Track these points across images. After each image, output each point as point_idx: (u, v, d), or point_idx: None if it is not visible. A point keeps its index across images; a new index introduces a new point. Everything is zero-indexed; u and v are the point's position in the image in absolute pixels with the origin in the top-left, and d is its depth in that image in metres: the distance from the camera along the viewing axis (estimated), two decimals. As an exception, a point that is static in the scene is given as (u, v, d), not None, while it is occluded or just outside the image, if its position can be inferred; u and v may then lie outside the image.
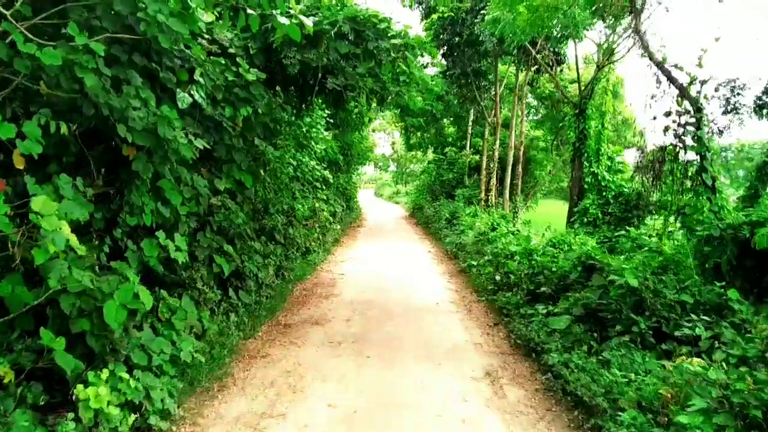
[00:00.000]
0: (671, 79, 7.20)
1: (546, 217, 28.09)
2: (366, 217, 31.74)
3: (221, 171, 7.42)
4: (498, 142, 19.75)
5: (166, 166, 6.11)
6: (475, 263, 12.29)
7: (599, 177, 13.54)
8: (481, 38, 18.03)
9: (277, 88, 10.29)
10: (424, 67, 17.04)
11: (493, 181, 20.02)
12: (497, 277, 10.09)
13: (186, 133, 5.90)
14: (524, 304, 8.31)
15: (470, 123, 27.45)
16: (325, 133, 15.85)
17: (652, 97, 7.29)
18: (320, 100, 11.48)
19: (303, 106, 11.14)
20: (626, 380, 4.92)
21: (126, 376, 4.75)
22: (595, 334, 6.17)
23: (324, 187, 18.60)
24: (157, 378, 5.14)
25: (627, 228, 11.30)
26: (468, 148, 27.04)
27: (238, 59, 7.17)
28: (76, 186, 4.80)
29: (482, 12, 16.52)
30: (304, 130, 13.00)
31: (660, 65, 7.33)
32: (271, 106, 8.36)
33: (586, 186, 14.37)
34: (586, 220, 13.49)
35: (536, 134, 26.00)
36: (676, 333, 5.56)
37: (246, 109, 7.15)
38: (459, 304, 10.04)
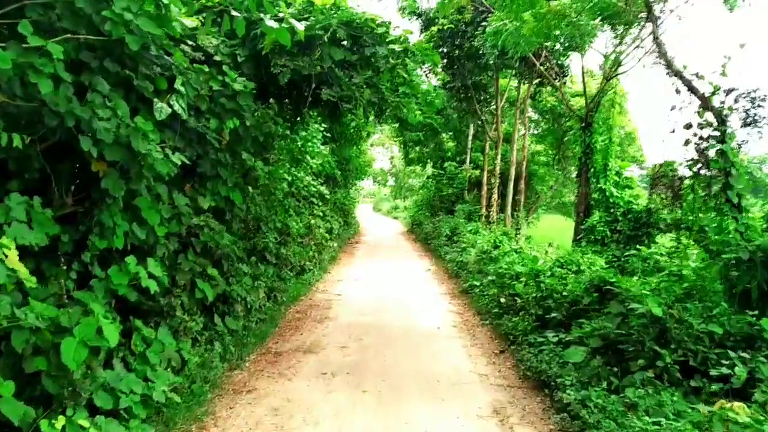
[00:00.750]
0: (692, 89, 6.68)
1: (548, 233, 27.56)
2: (364, 232, 31.20)
3: (206, 188, 6.86)
4: (499, 156, 19.24)
5: (142, 183, 5.57)
6: (477, 283, 11.71)
7: (607, 193, 13.00)
8: (481, 51, 17.62)
9: (271, 100, 9.84)
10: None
11: (495, 196, 19.48)
12: (502, 300, 9.50)
13: (163, 147, 5.35)
14: (533, 330, 7.72)
15: (470, 137, 26.99)
16: (322, 147, 15.34)
17: (671, 109, 6.77)
18: (315, 113, 10.98)
19: (297, 119, 10.65)
20: (656, 428, 4.33)
21: (86, 423, 4.14)
22: (615, 369, 5.57)
23: (320, 203, 18.06)
24: (125, 423, 4.54)
25: (637, 247, 10.73)
26: (468, 162, 26.56)
27: (224, 67, 6.64)
28: (32, 206, 4.24)
29: (483, 24, 16.11)
30: (298, 144, 12.47)
31: (680, 74, 6.82)
32: (261, 118, 7.84)
33: (592, 202, 13.83)
34: (593, 238, 12.92)
35: (537, 149, 25.52)
36: (712, 372, 4.98)
37: (233, 121, 6.61)
38: (462, 328, 9.44)
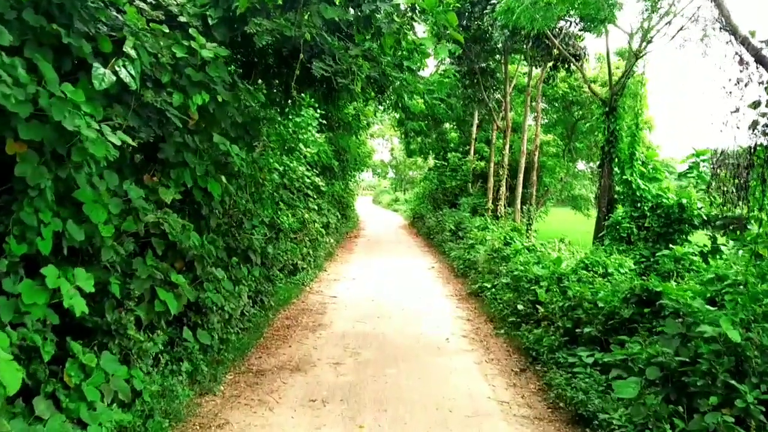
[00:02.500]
0: (761, 61, 5.49)
1: (558, 228, 26.34)
2: (364, 226, 30.05)
3: (169, 177, 5.66)
4: (508, 146, 18.00)
5: (81, 172, 4.40)
6: (488, 285, 10.54)
7: (633, 185, 11.75)
8: (490, 32, 16.37)
9: (259, 82, 8.70)
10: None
11: (503, 189, 18.26)
12: (519, 306, 8.34)
13: (112, 126, 4.17)
14: (560, 346, 6.55)
15: (474, 127, 25.74)
16: (317, 135, 14.12)
17: (736, 83, 5.56)
18: (308, 95, 9.78)
19: (288, 101, 9.45)
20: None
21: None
22: (679, 408, 4.40)
23: (316, 196, 16.86)
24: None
25: (670, 246, 9.54)
26: (472, 153, 25.32)
27: (191, 31, 5.44)
28: None
29: (492, 2, 14.85)
30: (290, 130, 11.25)
31: (746, 42, 5.61)
32: (242, 96, 6.62)
33: (616, 196, 12.61)
34: (617, 235, 11.71)
35: (546, 139, 24.26)
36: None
37: (201, 96, 5.41)
38: (473, 339, 8.27)
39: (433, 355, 7.42)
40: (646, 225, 11.41)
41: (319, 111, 14.69)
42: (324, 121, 15.68)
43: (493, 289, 10.24)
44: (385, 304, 10.41)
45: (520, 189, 17.14)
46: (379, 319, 9.25)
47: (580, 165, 28.77)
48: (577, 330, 6.57)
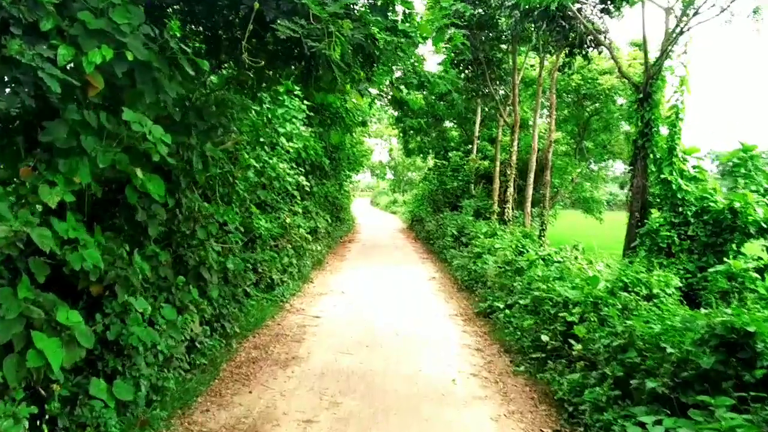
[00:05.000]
0: None
1: (568, 232, 24.59)
2: (360, 230, 28.36)
3: (57, 170, 3.92)
4: (516, 143, 16.26)
5: None
6: (500, 305, 8.83)
7: (674, 186, 9.94)
8: (498, 17, 14.67)
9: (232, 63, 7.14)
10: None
11: (510, 190, 16.53)
12: (543, 338, 6.61)
13: None
14: (610, 402, 4.83)
15: (477, 125, 24.03)
16: (303, 129, 12.38)
17: None
18: (282, 72, 8.04)
19: (261, 83, 7.78)
20: None
21: None
22: None
23: (305, 197, 15.12)
24: None
25: (724, 259, 7.82)
26: (474, 152, 23.60)
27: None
28: None
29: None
30: (264, 119, 9.52)
31: None
32: (178, 58, 4.88)
33: (650, 198, 10.85)
34: (655, 245, 9.95)
35: (555, 136, 22.52)
36: None
37: (99, 53, 3.70)
38: (487, 379, 6.53)
39: (436, 405, 5.68)
40: (689, 233, 9.65)
41: (306, 102, 13.01)
42: (312, 114, 13.97)
43: (507, 310, 8.53)
44: (378, 328, 8.68)
45: (530, 190, 15.39)
46: (369, 350, 7.52)
47: (593, 165, 27.03)
48: (631, 381, 4.84)
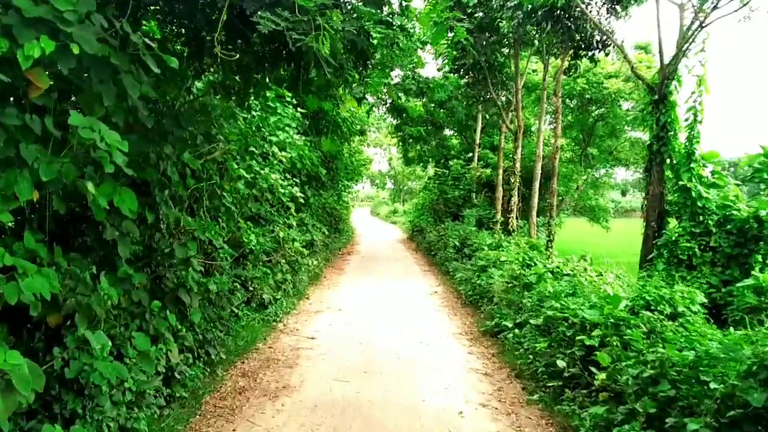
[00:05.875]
0: None
1: (571, 240, 23.97)
2: (359, 240, 27.73)
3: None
4: (520, 150, 15.67)
5: None
6: (509, 324, 8.19)
7: (693, 194, 9.28)
8: (498, 19, 14.13)
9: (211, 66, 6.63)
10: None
11: (515, 199, 15.91)
12: (560, 363, 5.97)
13: None
14: (643, 444, 4.19)
15: (478, 132, 23.47)
16: (297, 137, 11.79)
17: None
18: (272, 77, 7.48)
19: (249, 89, 7.23)
20: None
21: None
22: None
23: (301, 208, 14.52)
24: None
25: (750, 272, 7.19)
26: (475, 160, 23.00)
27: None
28: None
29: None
30: (253, 126, 8.93)
31: None
32: (131, 50, 4.28)
33: (668, 207, 10.20)
34: (674, 258, 9.29)
35: (560, 143, 21.98)
36: None
37: (38, 45, 3.11)
38: (497, 410, 5.89)
39: (443, 444, 5.05)
40: (711, 244, 9.02)
41: (300, 110, 12.45)
42: (306, 121, 13.42)
43: (516, 330, 7.89)
44: (377, 350, 8.05)
45: (536, 199, 14.76)
46: (367, 377, 6.88)
47: (600, 171, 26.38)
48: (667, 420, 4.20)
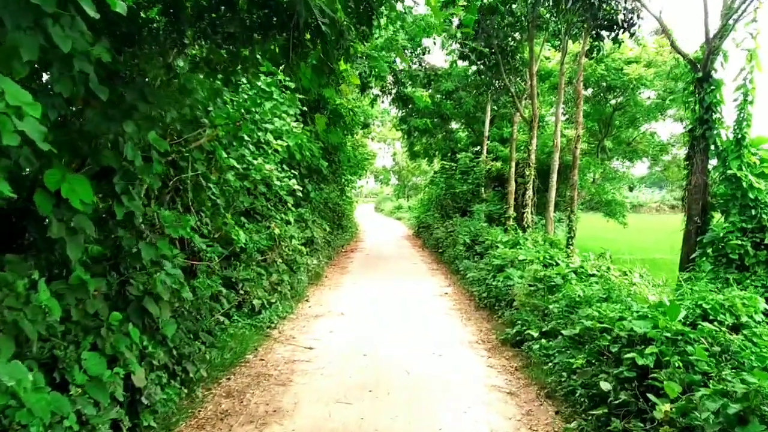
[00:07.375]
0: None
1: (586, 235, 22.85)
2: (364, 237, 26.78)
3: None
4: (535, 140, 14.62)
5: None
6: (534, 333, 7.19)
7: (744, 184, 8.27)
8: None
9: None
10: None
11: (530, 193, 14.88)
12: (604, 386, 4.96)
13: None
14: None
15: (486, 124, 22.40)
16: (294, 125, 10.79)
17: None
18: (262, 49, 6.49)
19: (237, 65, 6.28)
20: None
21: None
22: None
23: (300, 203, 13.55)
24: None
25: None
26: (484, 153, 21.95)
27: None
28: None
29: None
30: (243, 109, 7.92)
31: None
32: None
33: (711, 199, 9.15)
34: (722, 257, 8.24)
35: (571, 134, 20.93)
36: None
37: None
38: (529, 443, 4.90)
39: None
40: (766, 242, 8.00)
41: (301, 96, 11.44)
42: (305, 108, 12.41)
43: (543, 340, 6.89)
44: (384, 363, 7.06)
45: (553, 193, 13.71)
46: (372, 397, 5.89)
47: (616, 164, 25.29)
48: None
